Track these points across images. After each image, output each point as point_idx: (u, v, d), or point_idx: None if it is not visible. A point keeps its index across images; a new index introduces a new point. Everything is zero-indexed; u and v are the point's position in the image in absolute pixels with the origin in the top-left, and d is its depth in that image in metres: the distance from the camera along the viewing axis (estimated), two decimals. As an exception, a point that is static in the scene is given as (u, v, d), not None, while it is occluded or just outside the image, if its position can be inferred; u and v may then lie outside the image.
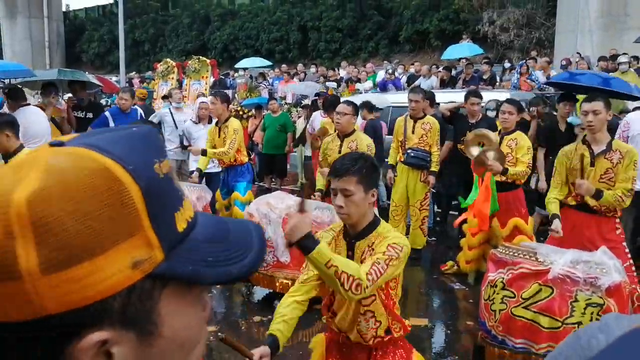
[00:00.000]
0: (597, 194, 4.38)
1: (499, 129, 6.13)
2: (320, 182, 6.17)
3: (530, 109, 7.75)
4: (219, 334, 3.37)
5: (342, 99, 7.44)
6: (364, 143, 5.82)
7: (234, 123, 6.80)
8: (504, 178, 5.75)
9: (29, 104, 7.28)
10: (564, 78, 7.07)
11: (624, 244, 4.62)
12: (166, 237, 0.62)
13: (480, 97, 6.94)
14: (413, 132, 6.79)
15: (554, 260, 3.78)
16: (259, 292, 5.88)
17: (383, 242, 2.55)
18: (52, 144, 0.62)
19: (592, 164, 4.48)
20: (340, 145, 5.89)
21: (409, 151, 6.74)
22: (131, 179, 0.60)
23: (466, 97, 6.91)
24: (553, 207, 4.61)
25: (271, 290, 5.56)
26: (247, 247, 0.71)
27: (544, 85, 12.01)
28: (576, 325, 3.71)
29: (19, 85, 9.20)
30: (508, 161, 5.75)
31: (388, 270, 2.46)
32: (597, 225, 4.58)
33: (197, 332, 0.70)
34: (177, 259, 0.63)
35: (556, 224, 4.46)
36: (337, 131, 6.09)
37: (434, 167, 6.78)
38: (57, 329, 0.58)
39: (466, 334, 5.09)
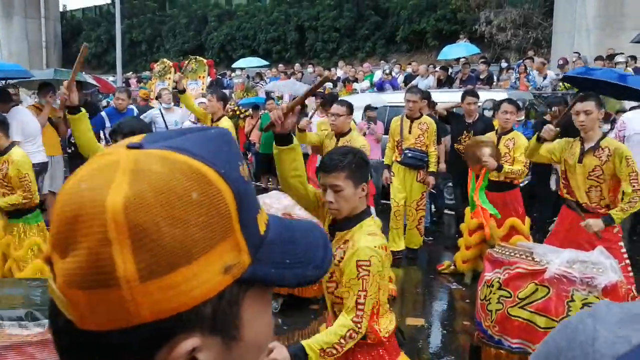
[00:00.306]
0: (608, 222, 4.41)
1: (495, 128, 6.13)
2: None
3: (552, 109, 7.75)
4: None
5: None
6: (359, 143, 5.81)
7: (225, 123, 6.76)
8: (501, 178, 5.75)
9: (17, 105, 7.30)
10: (580, 72, 7.07)
11: (621, 243, 4.63)
12: (252, 241, 0.62)
13: (477, 97, 6.94)
14: (410, 132, 6.78)
15: (551, 260, 3.77)
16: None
17: (351, 251, 2.52)
18: (130, 147, 0.61)
19: (580, 161, 4.58)
20: (336, 145, 5.89)
21: (406, 151, 6.73)
22: (225, 183, 0.60)
23: (463, 97, 6.91)
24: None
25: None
26: (314, 246, 0.71)
27: (541, 86, 12.04)
28: (572, 325, 3.70)
29: (16, 86, 9.20)
30: (505, 161, 5.75)
31: (370, 293, 2.49)
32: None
33: (270, 332, 0.70)
34: (261, 262, 0.63)
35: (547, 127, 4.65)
36: (332, 131, 6.08)
37: (432, 168, 6.78)
38: (150, 336, 0.58)
39: (463, 334, 5.09)
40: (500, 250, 4.11)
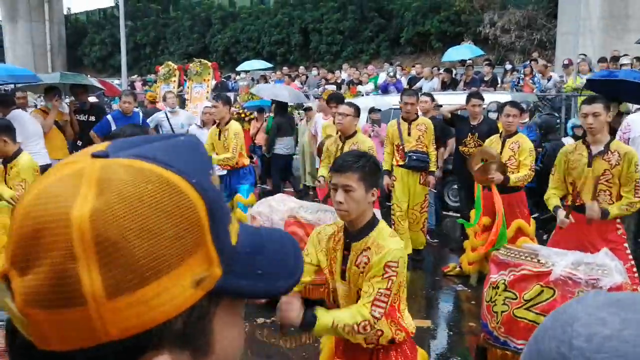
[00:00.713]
0: (604, 215, 4.41)
1: (500, 130, 6.14)
2: (322, 170, 6.13)
3: None
4: None
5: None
6: (366, 145, 5.83)
7: (235, 126, 6.82)
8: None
9: (22, 108, 7.38)
10: (602, 75, 7.09)
11: (626, 244, 4.62)
12: (223, 252, 0.60)
13: (482, 99, 6.96)
14: (409, 135, 6.78)
15: (556, 262, 3.80)
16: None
17: (379, 255, 2.54)
18: (94, 155, 0.57)
19: (590, 165, 4.50)
20: (342, 147, 5.90)
21: (410, 154, 6.72)
22: (196, 193, 0.58)
23: (468, 99, 6.92)
24: (553, 200, 4.70)
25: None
26: (285, 255, 0.69)
27: (545, 88, 12.05)
28: (578, 327, 3.73)
29: (24, 90, 9.27)
30: (511, 164, 5.77)
31: (392, 293, 2.54)
32: (598, 226, 4.54)
33: (242, 343, 0.68)
34: (232, 273, 0.61)
35: (561, 215, 4.51)
36: (338, 132, 6.09)
37: (433, 167, 6.80)
38: (117, 354, 0.55)
39: (468, 335, 5.11)
40: (505, 252, 4.14)
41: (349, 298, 2.71)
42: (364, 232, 2.65)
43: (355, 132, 6.04)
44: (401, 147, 6.82)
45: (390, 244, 2.57)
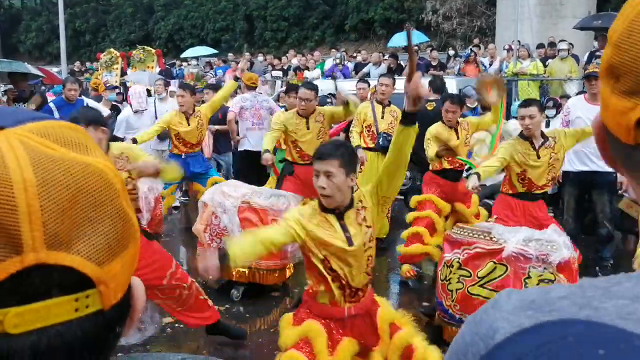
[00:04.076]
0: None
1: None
2: (266, 144, 5.95)
3: None
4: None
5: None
6: (329, 110, 6.06)
7: (204, 109, 7.05)
8: (448, 166, 5.84)
9: None
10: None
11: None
12: None
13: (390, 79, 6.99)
14: (382, 118, 6.75)
15: (508, 239, 3.91)
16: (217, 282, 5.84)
17: (367, 201, 3.00)
18: None
19: (539, 157, 4.87)
20: (307, 125, 5.93)
21: (384, 134, 6.65)
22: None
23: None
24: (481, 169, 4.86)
25: (227, 280, 5.53)
26: None
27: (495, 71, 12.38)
28: (529, 301, 3.86)
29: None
30: (467, 143, 5.86)
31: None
32: (538, 208, 5.04)
33: None
34: None
35: (473, 180, 4.62)
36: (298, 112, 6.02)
37: None
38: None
39: (422, 315, 5.20)
40: (458, 231, 4.23)
41: (358, 261, 2.96)
42: (352, 202, 2.98)
43: (314, 109, 5.99)
44: (374, 127, 6.77)
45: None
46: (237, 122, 8.32)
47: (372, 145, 6.75)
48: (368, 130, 6.81)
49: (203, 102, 8.21)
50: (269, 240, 2.83)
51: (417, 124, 2.81)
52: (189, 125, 6.89)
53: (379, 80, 6.86)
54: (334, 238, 2.90)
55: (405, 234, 5.77)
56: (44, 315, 0.51)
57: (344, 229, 2.93)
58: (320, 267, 2.95)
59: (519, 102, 7.38)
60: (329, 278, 2.95)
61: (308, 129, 5.91)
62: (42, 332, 0.51)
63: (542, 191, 5.04)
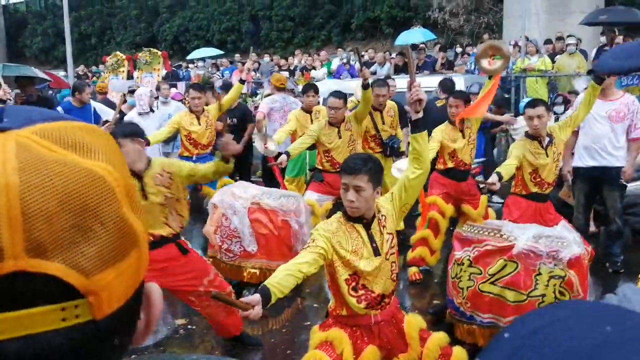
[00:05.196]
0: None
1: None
2: (294, 149, 5.98)
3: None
4: (212, 291, 3.53)
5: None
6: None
7: (212, 110, 7.17)
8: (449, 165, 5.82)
9: None
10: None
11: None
12: None
13: (386, 86, 6.91)
14: (383, 123, 6.80)
15: (518, 236, 3.91)
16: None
17: (387, 211, 3.12)
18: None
19: (547, 155, 4.97)
20: (338, 133, 6.01)
21: (390, 143, 6.72)
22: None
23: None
24: (502, 169, 4.91)
25: (239, 281, 5.55)
26: None
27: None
28: (540, 298, 3.86)
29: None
30: (472, 140, 5.78)
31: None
32: (546, 209, 5.13)
33: None
34: None
35: (494, 178, 4.74)
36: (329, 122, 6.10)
37: (403, 148, 6.79)
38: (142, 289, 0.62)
39: (434, 312, 5.20)
40: (468, 229, 4.23)
41: (383, 270, 3.07)
42: (375, 216, 3.09)
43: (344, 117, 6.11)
44: (378, 137, 6.80)
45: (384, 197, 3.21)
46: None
47: (379, 150, 6.75)
48: (374, 139, 6.84)
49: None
50: (299, 271, 2.85)
51: (425, 129, 2.95)
52: (199, 124, 7.00)
53: (375, 91, 6.61)
54: (357, 255, 2.99)
55: (413, 238, 5.85)
56: (27, 324, 0.49)
57: (371, 239, 3.04)
58: (344, 288, 3.01)
59: (526, 100, 7.36)
60: (353, 300, 3.01)
61: (340, 137, 6.00)
62: (28, 339, 0.49)
63: (550, 190, 5.13)
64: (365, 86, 5.77)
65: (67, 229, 0.50)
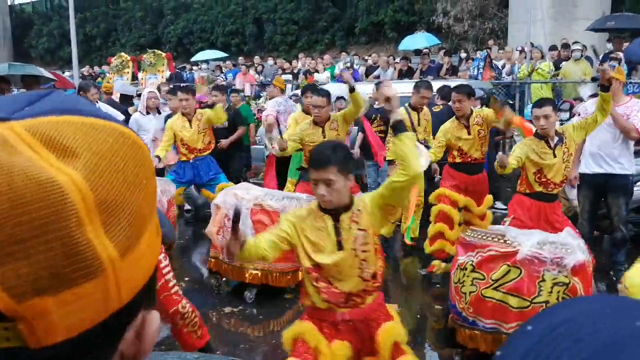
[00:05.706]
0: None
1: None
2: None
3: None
4: None
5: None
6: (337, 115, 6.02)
7: (207, 112, 6.97)
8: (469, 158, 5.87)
9: None
10: None
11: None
12: None
13: (431, 89, 7.00)
14: (419, 125, 6.79)
15: (522, 242, 3.88)
16: (229, 284, 5.85)
17: (364, 206, 2.89)
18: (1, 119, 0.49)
19: (555, 155, 4.92)
20: (323, 132, 5.89)
21: (422, 144, 6.64)
22: (140, 141, 0.55)
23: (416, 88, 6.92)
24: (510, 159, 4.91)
25: (240, 282, 5.54)
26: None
27: (505, 76, 12.34)
28: (543, 304, 3.83)
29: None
30: (481, 137, 5.85)
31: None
32: (552, 210, 5.09)
33: None
34: None
35: (501, 157, 4.78)
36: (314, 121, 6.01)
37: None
38: (122, 321, 0.51)
39: (436, 317, 5.18)
40: (472, 234, 4.20)
41: (347, 265, 2.85)
42: (349, 206, 2.88)
43: (329, 116, 6.01)
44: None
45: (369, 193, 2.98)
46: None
47: None
48: None
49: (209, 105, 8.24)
50: (262, 250, 2.80)
51: (406, 131, 2.77)
52: (191, 127, 6.89)
53: (420, 91, 6.81)
54: (316, 247, 2.85)
55: (429, 233, 5.94)
56: None
57: (337, 232, 2.85)
58: (307, 277, 2.91)
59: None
60: (315, 292, 2.89)
61: (324, 137, 5.85)
62: None
63: (557, 190, 5.09)
64: (351, 89, 5.72)
65: (4, 242, 0.44)
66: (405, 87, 8.82)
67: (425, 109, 6.93)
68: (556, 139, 4.94)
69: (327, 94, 6.00)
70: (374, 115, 7.97)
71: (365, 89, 8.49)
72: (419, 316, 5.33)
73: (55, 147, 0.47)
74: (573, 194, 6.78)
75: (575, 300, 0.51)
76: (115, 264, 0.48)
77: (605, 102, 4.93)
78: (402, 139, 2.75)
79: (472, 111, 5.95)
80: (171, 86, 10.03)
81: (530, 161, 4.93)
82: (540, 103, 4.99)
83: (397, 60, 14.89)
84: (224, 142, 8.08)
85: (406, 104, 6.95)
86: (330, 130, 5.92)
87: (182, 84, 13.61)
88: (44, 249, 0.45)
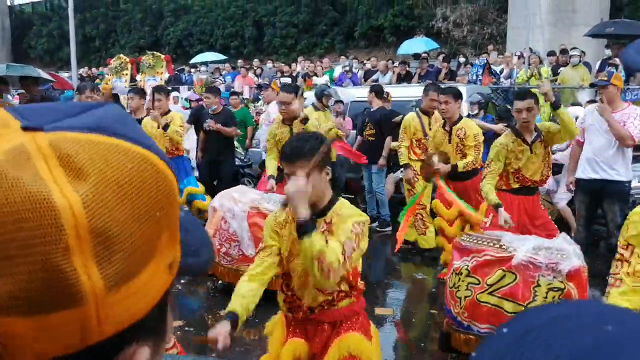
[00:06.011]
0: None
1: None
2: (271, 169, 5.80)
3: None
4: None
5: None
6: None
7: (177, 116, 7.01)
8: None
9: None
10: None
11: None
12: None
13: (439, 91, 6.98)
14: (430, 129, 6.68)
15: (517, 247, 3.88)
16: (225, 287, 5.85)
17: (344, 220, 2.56)
18: (26, 128, 0.48)
19: (532, 151, 4.89)
20: (291, 132, 5.64)
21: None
22: (168, 170, 0.53)
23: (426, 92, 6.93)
24: (493, 196, 4.87)
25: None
26: (201, 231, 0.70)
27: (503, 81, 12.37)
28: (538, 310, 3.83)
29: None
30: (460, 151, 5.82)
31: (361, 247, 2.55)
32: (532, 203, 5.08)
33: None
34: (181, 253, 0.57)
35: (504, 214, 4.71)
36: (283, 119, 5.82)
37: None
38: (99, 355, 0.49)
39: (431, 321, 5.18)
40: (467, 239, 4.21)
41: (308, 279, 2.65)
42: (328, 208, 2.65)
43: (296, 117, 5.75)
44: (424, 141, 6.70)
45: (355, 211, 2.65)
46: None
47: (423, 157, 6.46)
48: (419, 143, 6.78)
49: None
50: (264, 279, 2.65)
51: (309, 235, 2.35)
52: (158, 129, 6.81)
53: (429, 94, 6.73)
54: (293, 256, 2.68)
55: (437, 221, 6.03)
56: None
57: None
58: (280, 280, 2.81)
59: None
60: (282, 296, 2.81)
61: (292, 135, 5.67)
62: None
63: (536, 185, 5.08)
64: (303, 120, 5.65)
65: None
66: (404, 92, 8.86)
67: (436, 113, 6.74)
68: (534, 134, 4.89)
69: (294, 90, 5.82)
70: (366, 120, 7.90)
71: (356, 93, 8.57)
72: (413, 320, 5.33)
73: (69, 165, 0.46)
74: (557, 197, 6.82)
75: (551, 305, 0.52)
76: (99, 297, 0.46)
77: (562, 121, 4.74)
78: (305, 243, 2.40)
79: (460, 117, 5.94)
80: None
81: (507, 164, 4.94)
82: (522, 95, 4.89)
83: (396, 64, 14.92)
84: (211, 122, 7.93)
85: (416, 108, 6.95)
86: (299, 129, 5.63)
87: (180, 86, 13.65)
88: (24, 270, 0.44)
